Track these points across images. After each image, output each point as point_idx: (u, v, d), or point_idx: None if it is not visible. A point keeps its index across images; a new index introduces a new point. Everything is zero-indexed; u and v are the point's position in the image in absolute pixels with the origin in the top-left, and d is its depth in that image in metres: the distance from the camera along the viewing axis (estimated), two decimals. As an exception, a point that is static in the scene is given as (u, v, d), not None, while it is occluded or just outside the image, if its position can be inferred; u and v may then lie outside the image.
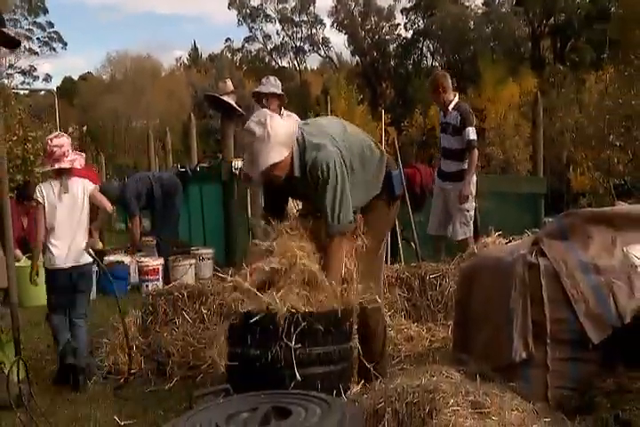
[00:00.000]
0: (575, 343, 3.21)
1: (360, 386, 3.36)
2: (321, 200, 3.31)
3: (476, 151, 6.46)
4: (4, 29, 3.27)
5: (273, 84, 6.33)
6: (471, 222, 6.64)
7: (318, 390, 2.52)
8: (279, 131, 3.22)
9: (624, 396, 2.86)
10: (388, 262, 6.74)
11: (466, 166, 6.48)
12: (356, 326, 3.52)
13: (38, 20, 43.95)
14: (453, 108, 6.51)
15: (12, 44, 3.41)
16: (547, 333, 3.24)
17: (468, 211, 6.57)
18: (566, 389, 3.16)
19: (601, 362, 3.17)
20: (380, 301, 3.64)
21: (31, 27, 43.93)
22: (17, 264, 7.13)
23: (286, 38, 48.79)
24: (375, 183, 3.60)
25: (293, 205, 4.98)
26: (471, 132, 6.41)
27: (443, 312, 5.15)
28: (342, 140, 3.39)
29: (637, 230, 3.47)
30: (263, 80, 6.42)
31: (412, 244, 7.16)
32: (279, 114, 6.24)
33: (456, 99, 6.59)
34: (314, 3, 46.93)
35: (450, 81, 6.67)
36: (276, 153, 3.22)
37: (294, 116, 6.44)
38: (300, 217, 3.59)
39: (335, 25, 45.39)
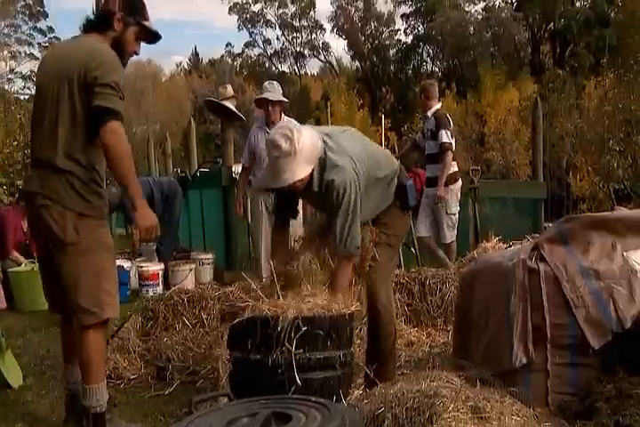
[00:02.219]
0: (575, 348, 3.21)
1: (360, 391, 3.37)
2: (332, 221, 3.31)
3: (449, 153, 6.59)
4: (146, 23, 3.30)
5: (278, 91, 6.33)
6: (456, 226, 6.79)
7: (318, 396, 2.51)
8: (305, 146, 3.16)
9: (624, 401, 2.86)
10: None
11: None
12: (366, 327, 3.55)
13: (39, 25, 44.04)
14: (432, 115, 6.75)
15: (155, 37, 3.43)
16: (547, 338, 3.24)
17: (453, 215, 6.73)
18: (566, 394, 3.16)
19: (601, 367, 3.17)
20: (390, 295, 3.69)
21: (32, 32, 44.02)
22: (17, 269, 7.18)
23: (286, 43, 48.93)
24: (387, 196, 3.60)
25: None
26: (444, 135, 6.58)
27: (443, 317, 5.15)
28: (361, 163, 3.34)
29: (637, 235, 3.47)
30: (267, 85, 6.38)
31: (412, 249, 7.17)
32: (280, 119, 6.30)
33: (437, 106, 6.85)
34: (314, 8, 47.09)
35: (435, 90, 7.00)
36: (302, 170, 3.18)
37: (294, 122, 6.48)
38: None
39: (335, 30, 45.54)
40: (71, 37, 3.43)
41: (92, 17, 3.28)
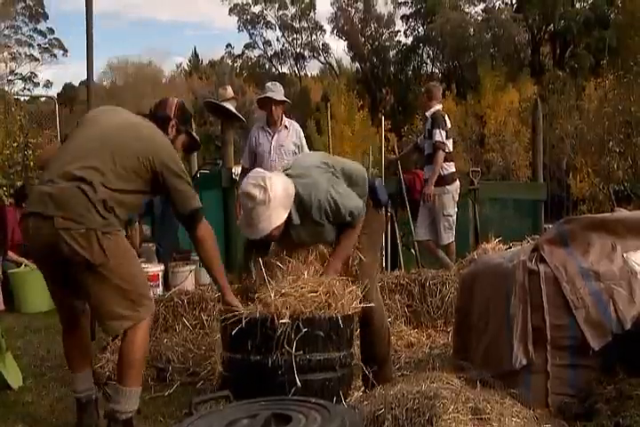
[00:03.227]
0: (575, 350, 3.21)
1: (360, 392, 3.37)
2: (340, 218, 3.38)
3: (440, 153, 6.62)
4: (194, 134, 3.52)
5: (280, 91, 6.33)
6: (454, 227, 6.80)
7: (318, 397, 2.51)
8: (279, 193, 3.19)
9: (624, 402, 2.86)
10: (388, 269, 6.76)
11: (443, 171, 6.67)
12: (357, 330, 3.55)
13: (39, 26, 44.03)
14: (430, 115, 6.82)
15: (194, 147, 3.67)
16: (547, 339, 3.24)
17: (450, 216, 6.75)
18: (567, 395, 3.16)
19: (601, 368, 3.17)
20: (380, 299, 3.69)
21: (32, 33, 44.02)
22: (17, 270, 7.18)
23: (286, 45, 48.88)
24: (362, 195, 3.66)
25: None
26: (437, 134, 6.64)
27: (443, 318, 5.15)
28: (324, 161, 3.48)
29: (637, 237, 3.47)
30: (270, 86, 6.37)
31: (412, 250, 7.17)
32: (282, 121, 6.30)
33: (437, 107, 6.90)
34: (314, 9, 47.03)
35: (439, 92, 7.12)
36: (277, 217, 3.21)
37: (295, 124, 6.49)
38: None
39: (335, 31, 45.47)
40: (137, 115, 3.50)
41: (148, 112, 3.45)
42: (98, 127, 3.28)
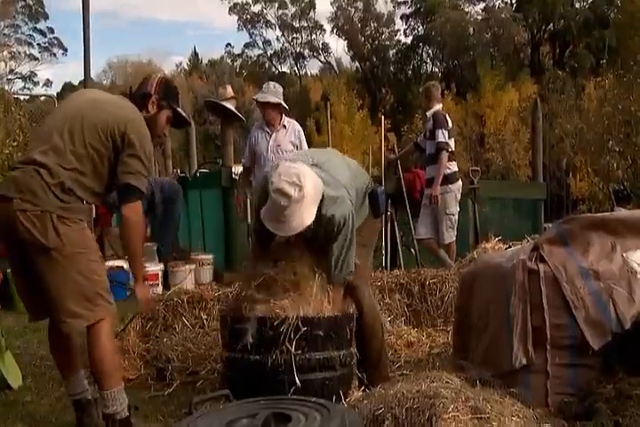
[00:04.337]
0: (575, 349, 3.21)
1: (360, 392, 3.37)
2: (328, 249, 3.36)
3: (444, 153, 6.63)
4: (179, 109, 3.43)
5: (274, 91, 6.27)
6: (455, 226, 6.79)
7: (318, 396, 2.51)
8: (312, 190, 3.16)
9: (624, 402, 2.86)
10: (388, 268, 6.76)
11: (446, 170, 6.69)
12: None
13: (38, 25, 44.03)
14: (431, 115, 6.84)
15: (183, 123, 3.59)
16: (547, 339, 3.24)
17: (453, 215, 6.75)
18: (566, 395, 3.16)
19: (601, 368, 3.17)
20: (371, 295, 3.71)
21: (32, 32, 44.02)
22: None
23: (286, 44, 48.86)
24: (364, 204, 3.67)
25: None
26: (440, 135, 6.65)
27: (442, 318, 5.15)
28: (353, 189, 3.45)
29: (637, 236, 3.47)
30: (264, 88, 6.34)
31: (412, 250, 7.18)
32: (280, 121, 6.28)
33: (436, 107, 6.92)
34: (314, 9, 47.00)
35: (438, 91, 7.14)
36: (310, 213, 3.19)
37: (295, 123, 6.49)
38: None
39: (335, 31, 45.46)
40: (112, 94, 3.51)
41: (127, 92, 3.39)
42: (62, 109, 3.31)
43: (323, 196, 3.25)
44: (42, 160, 3.01)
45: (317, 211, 3.24)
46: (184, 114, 3.47)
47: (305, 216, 3.17)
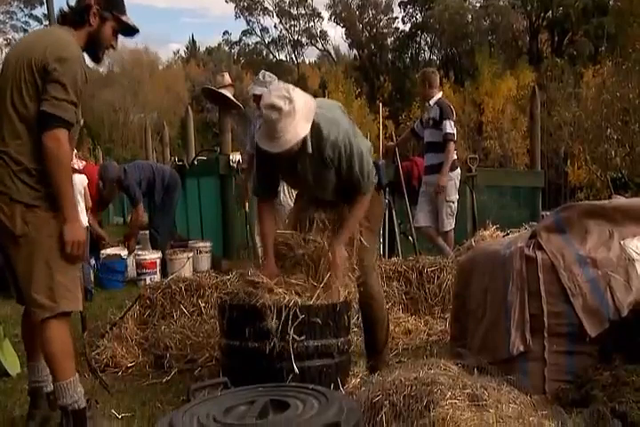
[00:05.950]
0: (572, 337, 3.22)
1: (358, 379, 3.37)
2: (349, 171, 3.36)
3: (452, 144, 6.61)
4: (124, 17, 3.23)
5: (266, 84, 6.18)
6: (455, 214, 6.77)
7: (316, 383, 2.52)
8: (302, 104, 3.14)
9: (621, 389, 2.87)
10: (386, 256, 6.76)
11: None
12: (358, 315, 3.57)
13: (34, 12, 43.80)
14: (435, 103, 6.73)
15: (132, 32, 3.36)
16: (544, 326, 3.24)
17: (452, 203, 6.72)
18: (563, 382, 3.17)
19: (598, 355, 3.17)
20: (380, 286, 3.71)
21: (27, 19, 43.81)
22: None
23: (284, 31, 48.69)
24: None
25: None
26: (448, 126, 6.59)
27: (440, 305, 5.15)
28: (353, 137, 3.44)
29: (634, 224, 3.47)
30: (256, 79, 6.24)
31: (410, 237, 7.17)
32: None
33: (438, 95, 6.83)
34: (312, -4, 46.82)
35: (437, 78, 6.99)
36: (302, 128, 3.15)
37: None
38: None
39: (333, 18, 45.30)
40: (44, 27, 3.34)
41: (66, 9, 3.16)
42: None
43: (318, 118, 3.22)
44: (2, 148, 2.93)
45: (320, 133, 3.24)
46: (130, 22, 3.26)
47: (299, 129, 3.14)
